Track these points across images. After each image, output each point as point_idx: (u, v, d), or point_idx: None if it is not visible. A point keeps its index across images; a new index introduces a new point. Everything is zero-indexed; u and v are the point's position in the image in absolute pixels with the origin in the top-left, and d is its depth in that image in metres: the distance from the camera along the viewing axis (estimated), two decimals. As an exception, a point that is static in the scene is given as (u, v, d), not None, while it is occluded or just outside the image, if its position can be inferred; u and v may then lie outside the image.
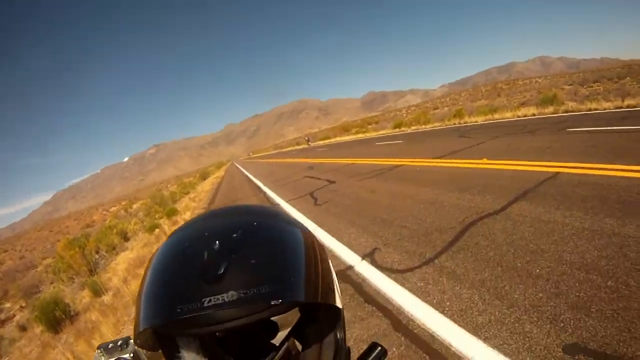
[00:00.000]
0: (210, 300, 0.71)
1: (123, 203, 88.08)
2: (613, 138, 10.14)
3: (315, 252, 0.91)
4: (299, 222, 1.00)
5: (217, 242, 0.80)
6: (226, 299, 0.71)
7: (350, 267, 5.37)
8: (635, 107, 16.35)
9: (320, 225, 8.03)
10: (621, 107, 16.84)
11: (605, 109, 17.31)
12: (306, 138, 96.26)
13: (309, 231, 0.98)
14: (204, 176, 78.30)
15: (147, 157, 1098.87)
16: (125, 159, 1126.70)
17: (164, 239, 9.94)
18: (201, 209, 20.17)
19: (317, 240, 0.97)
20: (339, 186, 12.50)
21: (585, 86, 52.76)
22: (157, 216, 26.88)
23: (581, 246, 4.25)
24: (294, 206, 11.16)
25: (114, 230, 25.77)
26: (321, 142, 70.43)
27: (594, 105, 18.76)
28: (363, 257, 5.57)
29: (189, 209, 21.34)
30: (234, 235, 0.83)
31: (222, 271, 0.74)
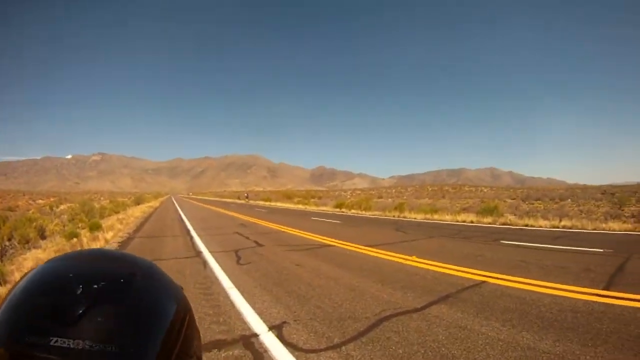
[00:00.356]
0: (57, 341, 0.70)
1: (52, 199, 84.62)
2: (543, 255, 10.71)
3: (181, 331, 0.87)
4: (178, 291, 0.95)
5: (81, 286, 0.78)
6: (71, 345, 0.69)
7: (256, 335, 5.17)
8: (570, 228, 17.61)
9: (237, 285, 7.90)
10: (557, 227, 18.03)
11: (541, 227, 18.45)
12: (245, 194, 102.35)
13: (185, 305, 0.93)
14: (138, 201, 78.16)
15: (89, 163, 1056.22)
16: (68, 156, 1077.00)
17: (78, 249, 9.31)
18: (125, 233, 19.89)
19: (190, 319, 0.93)
20: (266, 251, 12.50)
21: (527, 202, 55.80)
22: (79, 225, 26.11)
23: (493, 356, 4.31)
24: (216, 259, 10.99)
25: (34, 224, 24.77)
26: (262, 203, 72.28)
27: (531, 222, 19.86)
28: (270, 328, 5.39)
29: (113, 230, 20.59)
30: (101, 284, 0.80)
31: (76, 317, 0.72)
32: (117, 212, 42.64)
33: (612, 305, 6.06)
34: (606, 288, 7.10)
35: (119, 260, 0.95)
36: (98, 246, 14.28)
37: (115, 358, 0.71)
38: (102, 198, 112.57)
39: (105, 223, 25.34)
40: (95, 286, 0.78)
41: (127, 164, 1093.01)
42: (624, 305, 6.01)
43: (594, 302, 6.24)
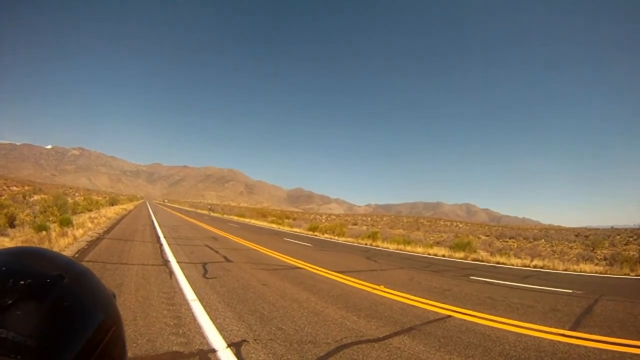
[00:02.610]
0: None
1: (27, 188, 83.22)
2: (511, 293, 10.82)
3: (103, 341, 0.86)
4: (108, 301, 0.96)
5: (11, 280, 0.79)
6: None
7: (213, 351, 5.08)
8: (541, 268, 17.91)
9: (200, 298, 7.79)
10: (528, 266, 18.30)
11: (512, 265, 18.71)
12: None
13: (113, 317, 0.94)
14: (112, 202, 78.42)
15: (68, 156, 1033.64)
16: (48, 147, 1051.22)
17: (45, 244, 9.18)
18: (95, 232, 19.71)
19: (117, 331, 0.93)
20: (234, 267, 12.38)
21: (501, 240, 56.53)
22: (51, 218, 26.07)
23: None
24: (182, 270, 10.89)
25: (5, 211, 24.73)
26: (235, 218, 72.45)
27: (503, 260, 20.16)
28: (229, 345, 5.31)
29: (84, 228, 20.33)
30: (27, 281, 0.81)
31: (3, 308, 0.74)
32: (90, 210, 43.05)
33: (577, 345, 6.14)
34: (572, 328, 7.21)
35: (53, 261, 0.94)
36: (66, 243, 14.30)
37: (33, 352, 0.71)
38: (77, 194, 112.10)
39: (76, 220, 25.30)
40: (22, 282, 0.79)
41: (105, 163, 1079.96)
42: (589, 347, 6.08)
43: (559, 342, 6.32)
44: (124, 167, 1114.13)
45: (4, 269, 0.81)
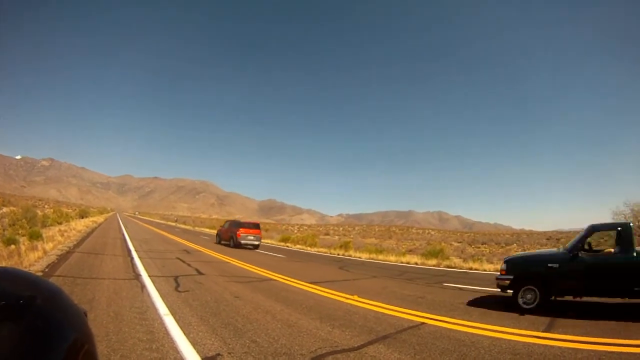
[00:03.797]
0: None
1: None
2: (485, 298, 11.06)
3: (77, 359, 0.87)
4: (80, 319, 0.96)
5: None
6: None
7: (188, 366, 5.04)
8: None
9: (173, 313, 7.67)
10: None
11: (485, 270, 19.04)
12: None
13: (85, 335, 0.94)
14: (82, 215, 76.91)
15: (37, 167, 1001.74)
16: (18, 157, 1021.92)
17: (15, 259, 8.96)
18: (66, 246, 19.34)
19: (90, 348, 0.93)
20: (206, 280, 12.26)
21: (473, 246, 57.23)
22: (20, 231, 25.74)
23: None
24: (154, 283, 10.74)
25: None
26: (207, 230, 73.05)
27: (476, 265, 20.49)
28: None
29: (54, 241, 20.00)
30: (1, 303, 0.80)
31: None
32: (60, 223, 42.54)
33: (552, 346, 6.29)
34: (547, 330, 7.42)
35: (24, 281, 0.95)
36: (36, 257, 14.02)
37: None
38: (46, 206, 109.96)
39: (46, 233, 24.94)
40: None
41: (76, 174, 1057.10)
42: (563, 347, 6.24)
43: (533, 343, 6.47)
44: (94, 179, 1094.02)
45: None
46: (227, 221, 35.78)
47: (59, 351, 0.81)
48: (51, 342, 0.81)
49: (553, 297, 9.26)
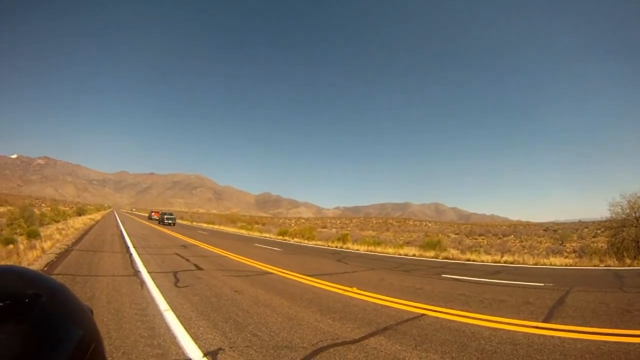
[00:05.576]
0: None
1: None
2: (483, 289, 11.09)
3: (84, 358, 0.85)
4: (86, 317, 0.95)
5: None
6: None
7: (190, 361, 5.07)
8: (512, 263, 18.38)
9: (173, 308, 7.68)
10: (498, 262, 18.77)
11: (483, 261, 19.12)
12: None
13: (92, 333, 0.93)
14: (80, 212, 77.77)
15: (33, 166, 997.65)
16: (13, 156, 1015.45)
17: (14, 258, 8.96)
18: (64, 244, 19.35)
19: (97, 347, 0.92)
20: (205, 275, 12.27)
21: (470, 237, 57.42)
22: (18, 231, 26.01)
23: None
24: (153, 280, 10.75)
25: None
26: (205, 225, 72.74)
27: (473, 257, 20.54)
28: (205, 355, 5.25)
29: (52, 239, 20.06)
30: (6, 302, 0.80)
31: None
32: (57, 221, 43.26)
33: (552, 337, 6.30)
34: (546, 320, 7.41)
35: (28, 279, 0.94)
36: (35, 255, 14.01)
37: None
38: (43, 204, 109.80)
39: (44, 232, 25.20)
40: (1, 304, 0.78)
41: (72, 172, 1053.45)
42: (563, 337, 6.26)
43: (533, 334, 6.48)
44: (90, 176, 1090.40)
45: None
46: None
47: (66, 350, 0.80)
48: (57, 341, 0.81)
49: None
